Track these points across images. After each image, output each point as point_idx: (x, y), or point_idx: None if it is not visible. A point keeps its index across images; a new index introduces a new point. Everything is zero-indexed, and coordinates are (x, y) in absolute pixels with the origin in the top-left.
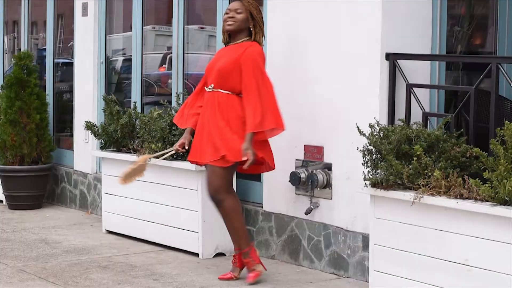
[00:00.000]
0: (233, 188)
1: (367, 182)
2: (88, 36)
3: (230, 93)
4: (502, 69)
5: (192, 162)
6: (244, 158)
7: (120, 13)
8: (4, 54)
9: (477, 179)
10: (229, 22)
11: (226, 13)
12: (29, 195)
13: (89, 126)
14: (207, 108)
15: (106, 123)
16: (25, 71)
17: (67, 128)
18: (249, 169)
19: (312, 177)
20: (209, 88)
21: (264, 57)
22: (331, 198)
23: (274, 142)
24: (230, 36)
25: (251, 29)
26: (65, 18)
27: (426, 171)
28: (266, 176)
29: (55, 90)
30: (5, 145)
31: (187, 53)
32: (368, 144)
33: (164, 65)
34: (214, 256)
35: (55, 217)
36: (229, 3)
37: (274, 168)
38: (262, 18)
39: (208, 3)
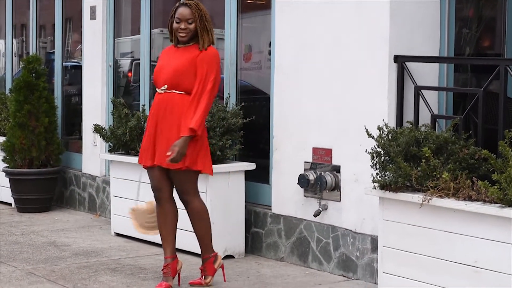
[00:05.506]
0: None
1: (376, 184)
2: (96, 39)
3: (184, 93)
4: (510, 71)
5: (149, 166)
6: (168, 153)
7: (129, 16)
8: (13, 57)
9: (485, 181)
10: (182, 34)
11: (177, 22)
12: (38, 198)
13: (98, 129)
14: (160, 110)
15: (114, 126)
16: (33, 75)
17: (76, 131)
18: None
19: (320, 179)
20: (162, 90)
21: (219, 60)
22: (340, 200)
23: (283, 144)
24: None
25: (198, 32)
26: (73, 22)
27: (434, 173)
28: (274, 178)
29: (64, 93)
30: (14, 148)
31: None
32: (376, 146)
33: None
34: (222, 259)
35: (63, 220)
36: (179, 7)
37: (212, 175)
38: (209, 17)
39: (216, 6)
